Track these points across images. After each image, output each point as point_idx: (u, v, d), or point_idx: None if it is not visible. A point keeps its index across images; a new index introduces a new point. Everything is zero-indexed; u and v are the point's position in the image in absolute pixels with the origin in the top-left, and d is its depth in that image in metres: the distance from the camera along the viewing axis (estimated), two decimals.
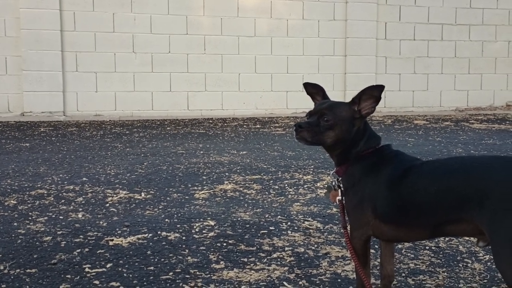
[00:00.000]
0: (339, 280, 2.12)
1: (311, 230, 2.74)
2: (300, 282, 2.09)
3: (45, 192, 3.51)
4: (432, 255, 2.41)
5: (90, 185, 3.72)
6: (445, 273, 2.20)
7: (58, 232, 2.67)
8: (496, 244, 1.48)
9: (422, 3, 9.58)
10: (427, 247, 2.50)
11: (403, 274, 2.19)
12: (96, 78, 8.31)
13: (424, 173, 1.66)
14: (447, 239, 2.61)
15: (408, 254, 2.41)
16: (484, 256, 2.39)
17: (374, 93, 1.76)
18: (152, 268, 2.23)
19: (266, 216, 2.99)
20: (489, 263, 2.30)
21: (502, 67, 10.10)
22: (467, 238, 2.61)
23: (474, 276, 2.18)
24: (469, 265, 2.30)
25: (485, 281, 2.13)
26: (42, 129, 6.85)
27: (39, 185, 3.70)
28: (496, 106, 10.14)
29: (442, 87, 9.86)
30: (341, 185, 1.83)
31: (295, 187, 3.69)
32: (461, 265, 2.29)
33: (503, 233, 1.46)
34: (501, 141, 6.02)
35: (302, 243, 2.55)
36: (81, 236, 2.61)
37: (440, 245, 2.53)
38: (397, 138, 6.29)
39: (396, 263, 2.27)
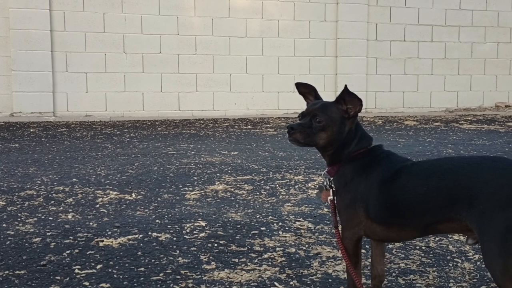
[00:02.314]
0: (330, 280, 2.13)
1: (302, 231, 2.74)
2: (291, 283, 2.09)
3: (35, 193, 3.48)
4: (423, 254, 2.42)
5: (80, 186, 3.70)
6: (435, 273, 2.21)
7: (47, 233, 2.65)
8: (485, 244, 1.49)
9: (412, 5, 9.64)
10: (417, 247, 2.51)
11: (394, 274, 2.19)
12: (86, 78, 8.27)
13: (415, 174, 1.66)
14: (437, 238, 2.62)
15: (399, 254, 2.42)
16: (474, 256, 2.40)
17: (348, 92, 1.75)
18: (142, 269, 2.22)
19: (257, 216, 2.99)
20: (478, 263, 2.32)
21: (491, 68, 10.19)
22: (456, 238, 2.63)
23: (464, 276, 2.19)
24: (459, 264, 2.31)
25: (474, 280, 2.14)
26: (31, 130, 6.80)
27: (28, 186, 3.67)
28: (485, 107, 10.22)
29: (432, 88, 9.93)
30: (332, 185, 1.83)
31: (286, 188, 3.69)
32: (451, 265, 2.31)
33: (492, 233, 1.47)
34: (490, 142, 6.07)
35: (293, 243, 2.55)
36: (71, 237, 2.59)
37: (430, 245, 2.55)
38: (387, 138, 6.32)
39: (387, 263, 2.28)
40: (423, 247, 2.51)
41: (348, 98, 1.76)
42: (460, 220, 1.55)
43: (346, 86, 1.76)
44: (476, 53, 10.08)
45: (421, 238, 2.58)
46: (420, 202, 1.62)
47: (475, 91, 10.17)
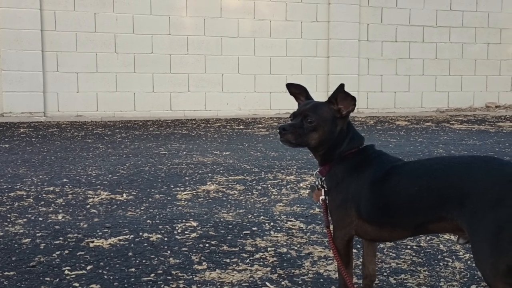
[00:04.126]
0: (321, 280, 2.13)
1: (293, 230, 2.74)
2: (283, 283, 2.09)
3: (24, 193, 3.45)
4: (414, 254, 2.42)
5: (70, 186, 3.67)
6: (426, 272, 2.22)
7: (37, 234, 2.62)
8: (476, 243, 1.50)
9: (403, 5, 9.68)
10: (408, 247, 2.51)
11: (385, 274, 2.20)
12: (77, 78, 8.22)
13: (406, 173, 1.67)
14: (428, 238, 2.63)
15: (390, 254, 2.42)
16: (464, 255, 2.42)
17: (342, 90, 1.75)
18: (133, 269, 2.20)
19: (249, 216, 2.98)
20: (469, 262, 2.33)
21: (481, 68, 10.26)
22: (447, 237, 2.64)
23: (454, 275, 2.20)
24: (449, 264, 2.32)
25: (465, 279, 2.15)
26: (22, 130, 6.75)
27: (18, 187, 3.64)
28: (476, 107, 10.29)
29: (423, 88, 9.98)
30: (324, 184, 1.83)
31: (278, 188, 3.69)
32: (441, 264, 2.31)
33: (482, 232, 1.47)
34: (481, 142, 6.11)
35: (284, 243, 2.55)
36: (61, 238, 2.57)
37: (421, 244, 2.55)
38: (379, 138, 6.34)
39: (378, 262, 2.28)
40: (414, 247, 2.51)
41: (340, 97, 1.76)
42: (451, 220, 1.56)
43: (342, 84, 1.76)
44: (466, 54, 10.14)
45: (412, 238, 2.59)
46: (411, 201, 1.62)
47: (465, 91, 10.24)
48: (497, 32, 10.27)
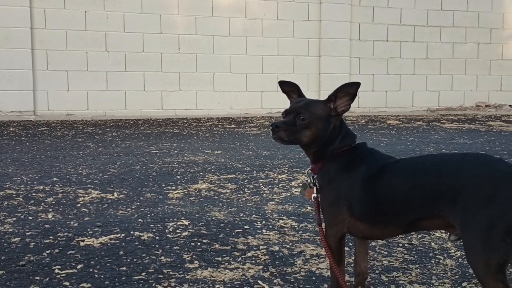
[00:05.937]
0: (313, 278, 2.12)
1: (285, 229, 2.73)
2: (275, 281, 2.09)
3: (14, 192, 3.42)
4: (405, 252, 2.43)
5: (60, 185, 3.64)
6: (418, 270, 2.23)
7: (27, 233, 2.60)
8: (467, 240, 1.50)
9: (394, 5, 9.72)
10: (400, 244, 2.52)
11: (377, 271, 2.20)
12: (68, 77, 8.16)
13: (398, 171, 1.67)
14: (419, 236, 2.64)
15: (382, 251, 2.42)
16: (456, 253, 2.43)
17: (350, 90, 1.77)
18: (124, 268, 2.19)
19: (241, 215, 2.97)
20: (460, 259, 2.34)
21: (471, 68, 10.33)
22: (439, 235, 2.65)
23: (446, 272, 2.21)
24: (441, 261, 2.33)
25: (456, 276, 2.16)
26: (11, 129, 6.69)
27: (7, 186, 3.60)
28: (466, 107, 10.35)
29: (414, 87, 10.02)
30: (316, 182, 1.82)
31: (270, 186, 3.68)
32: (433, 262, 2.32)
33: (474, 229, 1.47)
34: (471, 140, 6.15)
35: (276, 241, 2.54)
36: (51, 237, 2.55)
37: (413, 242, 2.56)
38: (370, 137, 6.36)
39: (370, 260, 2.28)
40: (406, 245, 2.52)
41: (340, 94, 1.77)
42: (443, 217, 1.56)
43: (359, 83, 1.77)
44: (457, 53, 10.21)
45: (404, 236, 2.59)
46: (403, 199, 1.62)
47: (456, 91, 10.30)
48: (487, 32, 10.34)
